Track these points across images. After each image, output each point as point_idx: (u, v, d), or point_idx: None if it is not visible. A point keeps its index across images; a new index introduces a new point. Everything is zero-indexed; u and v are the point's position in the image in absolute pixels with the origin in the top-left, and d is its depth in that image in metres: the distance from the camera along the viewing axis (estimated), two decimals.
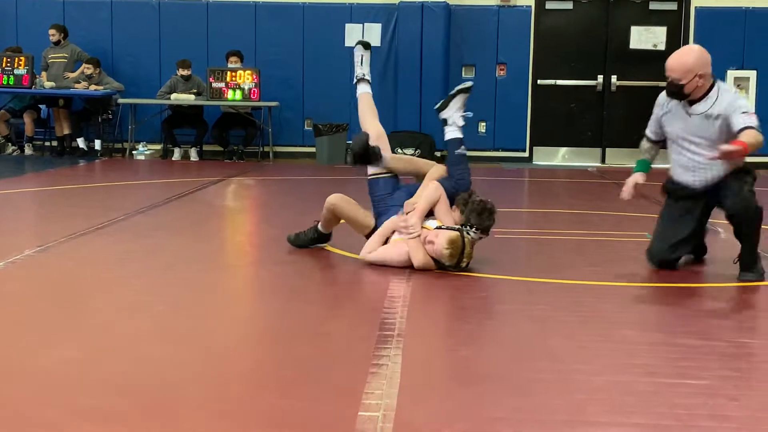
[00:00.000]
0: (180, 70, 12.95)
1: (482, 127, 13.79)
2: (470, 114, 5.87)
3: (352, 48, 6.32)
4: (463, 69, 13.73)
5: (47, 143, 13.70)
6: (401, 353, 3.53)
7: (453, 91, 5.84)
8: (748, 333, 4.06)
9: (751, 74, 13.42)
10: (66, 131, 13.14)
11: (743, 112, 5.01)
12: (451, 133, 5.69)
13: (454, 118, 5.70)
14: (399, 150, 13.09)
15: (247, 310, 4.55)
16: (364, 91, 6.00)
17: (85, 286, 4.83)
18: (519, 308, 4.47)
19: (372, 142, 5.47)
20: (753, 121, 4.99)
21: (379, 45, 13.57)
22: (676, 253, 5.37)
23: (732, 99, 5.16)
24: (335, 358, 3.57)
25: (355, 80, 6.06)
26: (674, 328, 4.05)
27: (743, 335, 4.03)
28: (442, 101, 5.87)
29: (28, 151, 13.24)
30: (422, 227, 5.08)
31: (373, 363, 3.40)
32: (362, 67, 5.99)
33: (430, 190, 5.22)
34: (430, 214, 5.23)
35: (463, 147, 5.64)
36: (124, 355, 3.53)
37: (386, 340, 3.72)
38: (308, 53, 13.68)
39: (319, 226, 5.71)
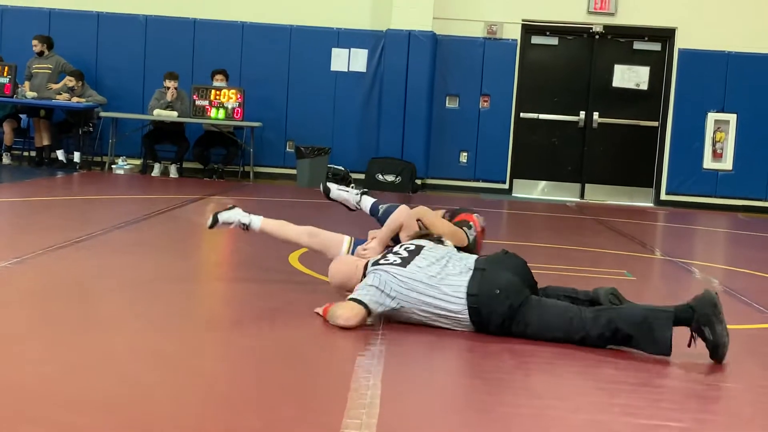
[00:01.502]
0: (167, 81, 12.91)
1: (463, 157, 13.85)
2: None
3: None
4: (447, 98, 13.81)
5: (26, 153, 13.59)
6: (380, 382, 3.50)
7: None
8: (729, 376, 4.06)
9: (731, 117, 13.57)
10: (45, 142, 13.06)
11: None
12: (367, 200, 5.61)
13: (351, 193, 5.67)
14: (380, 176, 13.11)
15: (226, 330, 4.51)
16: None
17: (61, 301, 4.76)
18: (499, 341, 4.45)
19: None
20: None
21: (365, 71, 13.65)
22: None
23: None
24: (315, 382, 3.53)
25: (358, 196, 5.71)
26: (655, 369, 4.04)
27: (724, 378, 4.03)
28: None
29: (5, 160, 13.14)
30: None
31: (352, 389, 3.37)
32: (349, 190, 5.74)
33: (394, 215, 5.18)
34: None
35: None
36: (101, 372, 3.47)
37: (366, 367, 3.70)
38: (294, 76, 13.71)
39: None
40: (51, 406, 3.05)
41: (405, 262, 4.48)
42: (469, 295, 4.31)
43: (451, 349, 4.20)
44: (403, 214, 5.11)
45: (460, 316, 4.34)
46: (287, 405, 3.22)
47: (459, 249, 4.87)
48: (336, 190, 5.73)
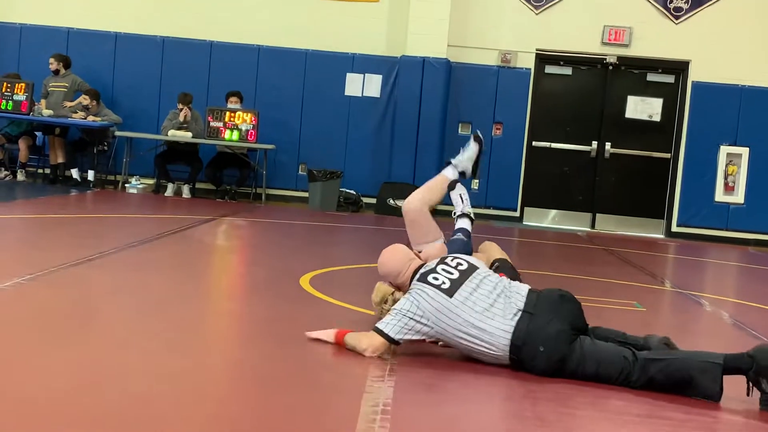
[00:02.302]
0: (181, 104, 13.00)
1: (475, 185, 13.87)
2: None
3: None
4: (460, 125, 13.86)
5: (40, 170, 13.69)
6: (390, 412, 3.51)
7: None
8: (737, 408, 4.06)
9: (744, 151, 13.58)
10: (60, 160, 13.14)
11: None
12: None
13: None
14: (391, 201, 13.15)
15: (237, 352, 4.53)
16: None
17: (74, 318, 4.80)
18: (508, 369, 4.45)
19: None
20: None
21: (379, 96, 13.73)
22: None
23: None
24: (324, 407, 3.55)
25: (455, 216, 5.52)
26: (663, 400, 4.04)
27: (731, 410, 4.03)
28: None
29: (20, 177, 13.22)
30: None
31: (362, 414, 3.38)
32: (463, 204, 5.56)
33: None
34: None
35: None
36: (112, 390, 3.50)
37: (376, 393, 3.71)
38: (308, 99, 13.79)
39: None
40: (61, 423, 3.08)
41: (452, 289, 4.29)
42: (513, 343, 4.17)
43: (460, 377, 4.20)
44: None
45: (500, 356, 4.24)
46: (295, 429, 3.23)
47: None
48: (457, 194, 5.56)
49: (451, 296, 4.27)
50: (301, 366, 4.16)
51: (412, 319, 4.25)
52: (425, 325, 4.25)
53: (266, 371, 4.05)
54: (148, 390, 3.55)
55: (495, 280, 4.43)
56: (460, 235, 5.26)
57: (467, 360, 4.36)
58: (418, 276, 4.50)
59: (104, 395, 3.43)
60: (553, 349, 4.13)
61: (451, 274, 4.40)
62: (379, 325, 4.30)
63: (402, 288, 4.72)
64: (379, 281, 4.95)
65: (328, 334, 4.48)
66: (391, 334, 4.25)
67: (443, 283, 4.33)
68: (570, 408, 3.83)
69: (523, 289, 4.39)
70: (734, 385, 4.05)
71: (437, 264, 4.51)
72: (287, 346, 4.51)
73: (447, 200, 5.62)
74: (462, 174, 5.67)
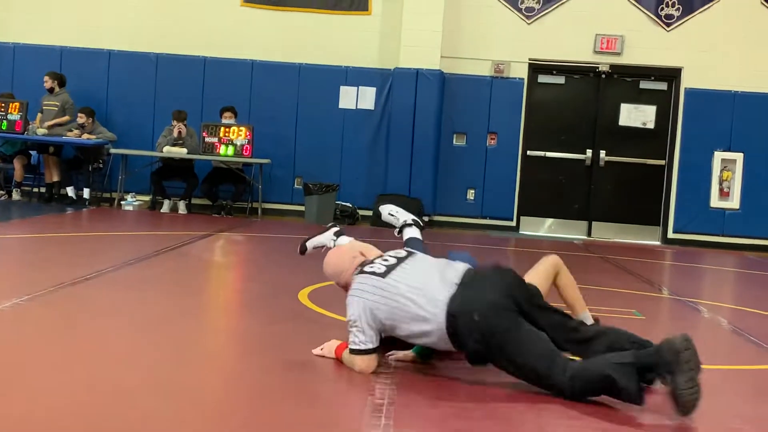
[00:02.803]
0: (175, 121, 13.01)
1: (471, 195, 13.90)
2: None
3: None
4: (455, 136, 13.89)
5: (35, 189, 13.68)
6: (392, 423, 3.51)
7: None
8: (738, 417, 4.06)
9: (738, 156, 13.62)
10: (55, 178, 13.14)
11: None
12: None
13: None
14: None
15: (238, 367, 4.52)
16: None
17: (73, 338, 4.79)
18: (511, 381, 4.46)
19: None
20: None
21: (373, 109, 13.76)
22: None
23: None
24: (324, 421, 3.54)
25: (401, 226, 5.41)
26: (667, 411, 4.03)
27: (736, 420, 4.03)
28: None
29: (15, 196, 13.22)
30: None
31: (363, 426, 3.39)
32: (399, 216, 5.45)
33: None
34: None
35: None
36: (111, 408, 3.49)
37: (377, 408, 3.71)
38: (302, 113, 13.82)
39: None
40: None
41: (386, 273, 4.29)
42: (449, 314, 4.09)
43: (460, 393, 4.20)
44: None
45: (440, 333, 4.13)
46: None
47: None
48: (386, 215, 5.48)
49: (384, 277, 4.28)
50: (303, 381, 4.15)
51: (366, 322, 4.24)
52: (378, 318, 4.23)
53: (267, 386, 4.05)
54: (149, 408, 3.54)
55: (433, 261, 4.42)
56: (414, 243, 5.16)
57: (469, 381, 4.35)
58: (357, 270, 4.48)
59: (105, 414, 3.42)
60: (487, 318, 4.02)
61: (387, 261, 4.41)
62: (352, 346, 4.30)
63: (347, 288, 4.58)
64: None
65: (330, 349, 4.49)
66: (365, 347, 4.26)
67: (378, 269, 4.34)
68: (570, 421, 3.83)
69: (462, 266, 4.36)
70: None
71: (376, 257, 4.53)
72: (288, 360, 4.51)
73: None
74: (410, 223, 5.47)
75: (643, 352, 3.91)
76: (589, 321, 4.94)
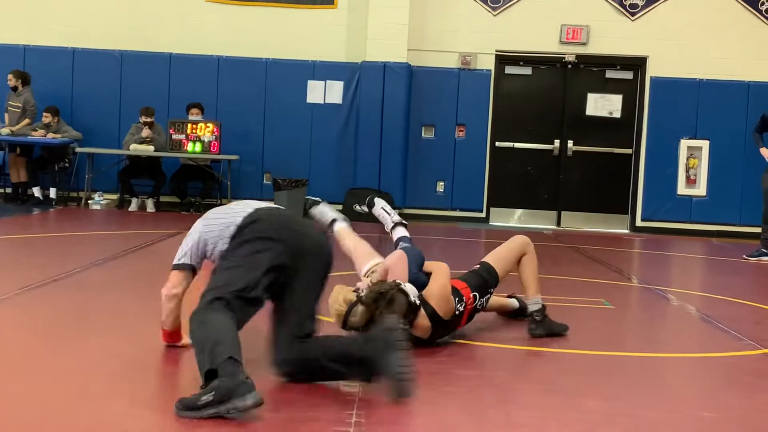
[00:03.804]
0: (143, 117, 12.91)
1: (440, 187, 13.92)
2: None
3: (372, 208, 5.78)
4: (423, 129, 13.90)
5: (1, 190, 13.52)
6: (363, 419, 3.51)
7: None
8: (707, 405, 4.10)
9: (704, 144, 13.74)
10: (22, 178, 13.00)
11: None
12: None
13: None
14: (357, 207, 13.13)
15: None
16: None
17: (38, 342, 4.74)
18: (479, 375, 4.48)
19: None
20: None
21: (341, 102, 13.73)
22: None
23: None
24: (297, 423, 3.53)
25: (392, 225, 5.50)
26: (637, 400, 4.07)
27: (702, 407, 4.07)
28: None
29: None
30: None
31: (334, 429, 3.38)
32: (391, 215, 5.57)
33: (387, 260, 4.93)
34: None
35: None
36: (83, 414, 3.46)
37: (345, 402, 3.71)
38: (270, 108, 13.76)
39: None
40: None
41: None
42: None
43: (429, 388, 4.20)
44: (392, 261, 4.83)
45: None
46: None
47: (436, 321, 4.69)
48: (379, 208, 5.63)
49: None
50: (274, 384, 4.13)
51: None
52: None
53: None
54: (121, 413, 3.51)
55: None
56: (405, 244, 5.25)
57: (437, 365, 4.36)
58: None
59: (75, 420, 3.39)
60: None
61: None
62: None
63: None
64: (337, 285, 4.82)
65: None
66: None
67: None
68: (542, 412, 3.84)
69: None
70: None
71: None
72: (266, 362, 4.48)
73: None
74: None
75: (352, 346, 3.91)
76: (537, 307, 5.11)
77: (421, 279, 4.89)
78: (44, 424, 3.33)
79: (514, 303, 5.72)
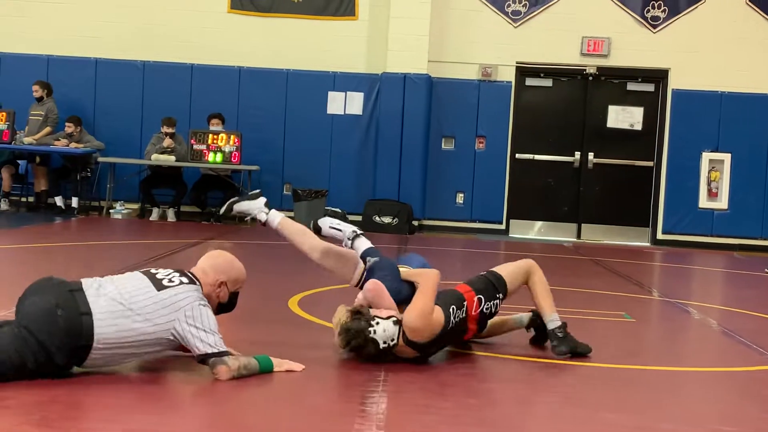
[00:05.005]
0: (165, 127, 12.99)
1: (460, 198, 13.91)
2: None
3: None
4: (443, 140, 13.91)
5: (24, 199, 13.63)
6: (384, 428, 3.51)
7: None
8: (728, 419, 4.07)
9: (726, 157, 13.66)
10: (43, 187, 13.10)
11: None
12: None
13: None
14: (377, 218, 13.16)
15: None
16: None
17: None
18: (500, 387, 4.46)
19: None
20: None
21: (361, 114, 13.77)
22: None
23: None
24: (318, 427, 3.54)
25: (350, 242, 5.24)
26: (657, 413, 4.05)
27: (726, 421, 4.03)
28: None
29: (3, 206, 13.16)
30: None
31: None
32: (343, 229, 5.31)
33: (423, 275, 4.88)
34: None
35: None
36: (88, 423, 3.48)
37: (367, 416, 3.70)
38: (290, 119, 13.81)
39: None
40: None
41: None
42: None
43: (450, 400, 4.19)
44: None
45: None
46: None
47: (419, 345, 4.58)
48: (327, 228, 5.32)
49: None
50: (295, 389, 4.14)
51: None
52: None
53: (258, 395, 4.04)
54: (138, 418, 3.53)
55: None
56: (374, 258, 5.05)
57: (458, 377, 4.35)
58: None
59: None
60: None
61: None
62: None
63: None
64: (341, 305, 4.83)
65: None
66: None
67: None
68: (560, 424, 3.82)
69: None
70: None
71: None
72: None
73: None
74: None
75: None
76: (556, 324, 5.04)
77: (403, 293, 4.80)
78: None
79: (524, 318, 5.48)
